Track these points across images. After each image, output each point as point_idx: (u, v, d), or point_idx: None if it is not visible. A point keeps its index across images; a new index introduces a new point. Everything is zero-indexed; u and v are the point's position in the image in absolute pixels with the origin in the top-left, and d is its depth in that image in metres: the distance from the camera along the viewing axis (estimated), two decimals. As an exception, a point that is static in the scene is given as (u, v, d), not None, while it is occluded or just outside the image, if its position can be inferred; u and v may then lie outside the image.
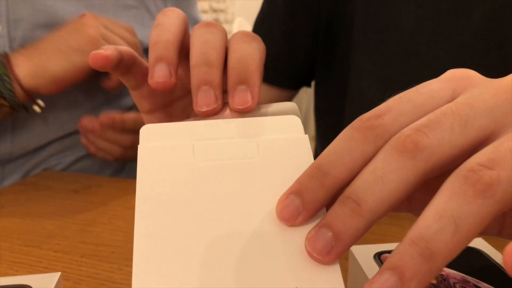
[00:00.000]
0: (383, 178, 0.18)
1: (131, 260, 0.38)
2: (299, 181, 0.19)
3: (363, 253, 0.29)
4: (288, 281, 0.18)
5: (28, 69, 0.51)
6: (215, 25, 0.29)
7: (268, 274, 0.18)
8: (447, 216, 0.16)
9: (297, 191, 0.19)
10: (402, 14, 0.51)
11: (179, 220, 0.19)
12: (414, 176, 0.18)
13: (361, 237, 0.18)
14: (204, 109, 0.25)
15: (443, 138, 0.18)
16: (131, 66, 0.30)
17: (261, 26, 0.61)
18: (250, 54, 0.27)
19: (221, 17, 2.89)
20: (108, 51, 0.28)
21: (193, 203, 0.20)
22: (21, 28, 0.55)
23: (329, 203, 0.19)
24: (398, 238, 0.19)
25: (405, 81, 0.51)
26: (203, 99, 0.25)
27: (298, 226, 0.19)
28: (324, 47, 0.59)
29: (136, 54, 0.30)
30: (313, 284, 0.18)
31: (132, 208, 0.48)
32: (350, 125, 0.20)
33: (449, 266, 0.27)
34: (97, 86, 0.60)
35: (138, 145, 0.22)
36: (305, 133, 0.23)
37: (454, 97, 0.20)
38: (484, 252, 0.29)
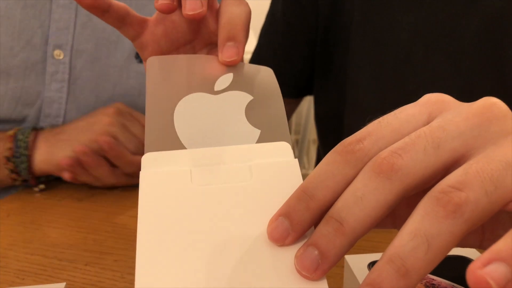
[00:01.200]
0: (363, 198, 0.19)
1: (133, 268, 0.39)
2: (288, 204, 0.21)
3: (358, 262, 0.30)
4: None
5: (43, 155, 0.54)
6: None
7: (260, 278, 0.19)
8: (420, 235, 0.17)
9: (285, 213, 0.20)
10: (399, 24, 0.52)
11: (178, 236, 0.20)
12: (391, 196, 0.19)
13: (346, 253, 0.19)
14: (191, 12, 0.30)
15: (416, 159, 0.19)
16: (124, 17, 0.33)
17: (263, 37, 0.64)
18: (238, 15, 0.31)
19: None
20: None
21: (190, 222, 0.21)
22: (82, 58, 0.59)
23: (316, 222, 0.20)
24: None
25: (401, 89, 0.52)
26: (191, 4, 0.30)
27: (287, 246, 0.20)
28: (321, 56, 0.60)
29: (128, 7, 0.34)
30: None
31: (134, 216, 0.49)
32: (333, 149, 0.21)
33: (440, 275, 0.28)
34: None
35: (140, 172, 0.23)
36: (296, 157, 0.24)
37: (429, 121, 0.21)
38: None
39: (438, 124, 0.20)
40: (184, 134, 0.25)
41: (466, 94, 0.50)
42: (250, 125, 0.26)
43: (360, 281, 0.28)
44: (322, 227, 0.19)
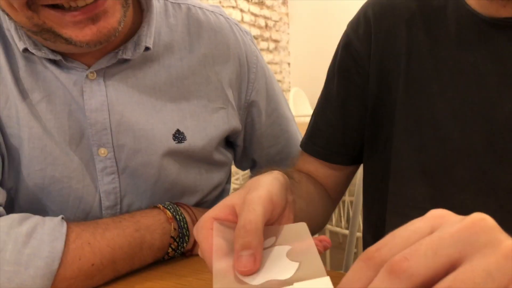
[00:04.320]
0: None
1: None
2: None
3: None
4: None
5: None
6: None
7: None
8: None
9: None
10: (438, 105, 0.57)
11: None
12: None
13: None
14: (243, 269, 0.33)
15: (420, 262, 0.25)
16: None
17: (320, 113, 0.71)
18: (254, 218, 0.35)
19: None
20: None
21: None
22: (124, 151, 0.64)
23: None
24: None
25: (441, 163, 0.56)
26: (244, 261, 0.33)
27: None
28: (370, 129, 0.65)
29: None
30: None
31: (201, 278, 0.54)
32: (359, 257, 0.27)
33: None
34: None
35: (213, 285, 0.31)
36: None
37: (432, 231, 0.27)
38: None
39: (437, 235, 0.26)
40: None
41: (503, 169, 0.53)
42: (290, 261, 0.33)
43: None
44: None
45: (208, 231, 0.37)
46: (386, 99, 0.62)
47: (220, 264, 0.34)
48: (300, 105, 3.01)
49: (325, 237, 0.40)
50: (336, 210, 1.84)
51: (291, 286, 0.30)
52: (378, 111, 0.63)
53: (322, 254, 0.39)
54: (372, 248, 0.27)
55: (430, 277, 0.25)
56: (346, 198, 1.83)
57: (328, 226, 1.77)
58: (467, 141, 0.54)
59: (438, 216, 0.28)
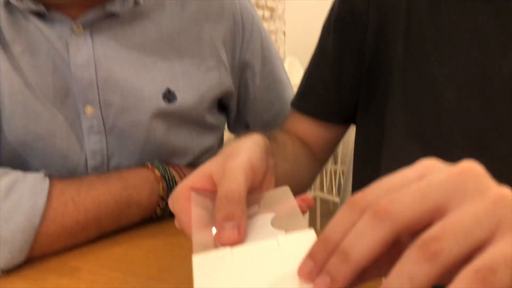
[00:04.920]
0: (362, 235, 0.24)
1: (189, 282, 0.44)
2: (312, 249, 0.27)
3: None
4: None
5: None
6: None
7: None
8: (405, 275, 0.22)
9: (310, 255, 0.26)
10: (434, 69, 0.55)
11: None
12: (385, 233, 0.24)
13: (352, 280, 0.24)
14: (226, 242, 0.32)
15: (405, 206, 0.24)
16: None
17: (314, 68, 0.68)
18: (236, 187, 0.34)
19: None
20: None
21: (237, 284, 0.27)
22: (112, 110, 0.61)
23: None
24: None
25: (436, 127, 0.55)
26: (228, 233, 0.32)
27: (313, 280, 0.26)
28: (365, 90, 0.64)
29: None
30: None
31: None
32: (344, 204, 0.27)
33: None
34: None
35: (193, 256, 0.30)
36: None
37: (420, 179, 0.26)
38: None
39: (425, 181, 0.25)
40: None
41: (498, 135, 0.52)
42: (274, 229, 0.32)
43: None
44: (333, 259, 0.25)
45: (185, 201, 0.35)
46: (384, 57, 0.60)
47: (201, 236, 0.33)
48: (295, 73, 2.98)
49: (308, 196, 0.39)
50: (328, 179, 1.85)
51: (274, 238, 0.30)
52: (374, 68, 0.62)
53: (305, 213, 0.38)
54: (358, 194, 0.27)
55: (415, 222, 0.24)
56: (338, 167, 1.83)
57: (319, 194, 1.78)
58: (463, 104, 0.53)
59: (428, 164, 0.27)
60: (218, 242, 0.31)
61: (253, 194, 0.35)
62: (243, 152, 0.36)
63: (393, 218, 0.24)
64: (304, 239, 0.29)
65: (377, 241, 0.24)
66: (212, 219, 0.33)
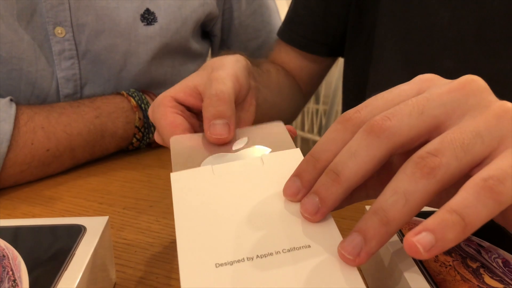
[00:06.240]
0: (356, 153, 0.22)
1: (168, 213, 0.42)
2: (299, 167, 0.25)
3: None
4: (294, 235, 0.23)
5: None
6: None
7: (280, 234, 0.23)
8: (400, 192, 0.21)
9: (297, 174, 0.24)
10: None
11: (208, 216, 0.24)
12: (380, 151, 0.22)
13: (341, 200, 0.23)
14: (216, 137, 0.30)
15: (402, 122, 0.22)
16: None
17: None
18: (227, 89, 0.33)
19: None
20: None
21: (217, 204, 0.25)
22: (85, 32, 0.57)
23: None
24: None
25: (426, 52, 0.53)
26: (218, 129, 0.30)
27: (299, 201, 0.24)
28: (354, 17, 0.61)
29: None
30: (310, 237, 0.23)
31: (167, 168, 0.52)
32: (336, 120, 0.25)
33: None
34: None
35: (171, 173, 0.27)
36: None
37: (419, 95, 0.24)
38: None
39: (424, 95, 0.23)
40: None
41: (490, 60, 0.50)
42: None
43: None
44: (322, 178, 0.23)
45: (166, 108, 0.33)
46: None
47: (180, 144, 0.31)
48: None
49: (290, 126, 0.37)
50: (309, 118, 1.84)
51: (258, 157, 0.28)
52: None
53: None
54: (350, 110, 0.24)
55: (412, 139, 0.23)
56: (320, 107, 1.82)
57: (300, 132, 1.78)
58: (456, 29, 0.51)
59: (426, 79, 0.25)
60: (208, 139, 0.30)
61: (242, 128, 0.33)
62: (227, 65, 0.35)
63: (389, 135, 0.22)
64: (290, 158, 0.27)
65: (370, 160, 0.22)
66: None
